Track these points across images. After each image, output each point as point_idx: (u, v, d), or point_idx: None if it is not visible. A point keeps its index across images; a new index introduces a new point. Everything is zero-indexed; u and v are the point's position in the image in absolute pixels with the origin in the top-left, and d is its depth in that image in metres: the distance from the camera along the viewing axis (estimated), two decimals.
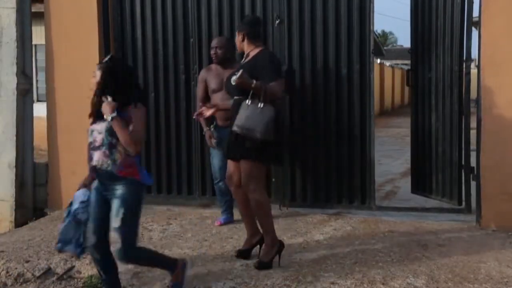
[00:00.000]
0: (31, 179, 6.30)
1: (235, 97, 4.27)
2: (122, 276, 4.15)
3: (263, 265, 4.16)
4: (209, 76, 5.29)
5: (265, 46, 4.57)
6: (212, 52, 5.27)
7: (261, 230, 4.36)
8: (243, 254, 4.37)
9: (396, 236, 4.95)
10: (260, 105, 4.07)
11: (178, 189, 6.18)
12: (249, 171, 4.16)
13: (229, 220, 5.41)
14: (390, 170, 8.98)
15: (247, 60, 4.37)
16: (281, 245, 4.24)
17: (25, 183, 6.23)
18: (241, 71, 4.10)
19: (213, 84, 5.25)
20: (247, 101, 4.11)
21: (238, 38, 4.44)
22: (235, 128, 4.12)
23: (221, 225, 5.35)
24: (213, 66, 5.33)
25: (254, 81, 4.09)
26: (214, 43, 5.32)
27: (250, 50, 4.38)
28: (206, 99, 5.30)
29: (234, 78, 4.09)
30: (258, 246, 4.40)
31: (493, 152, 5.16)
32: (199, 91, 5.39)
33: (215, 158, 5.37)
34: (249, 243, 4.40)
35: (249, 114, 4.07)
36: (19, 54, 6.13)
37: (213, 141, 5.26)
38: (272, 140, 4.11)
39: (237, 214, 4.68)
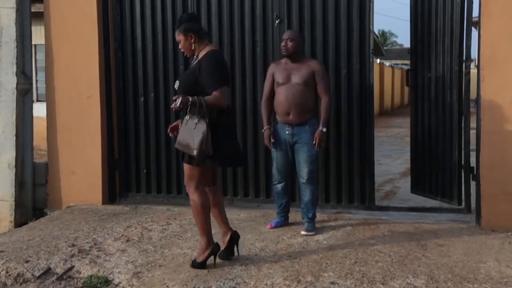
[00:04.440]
0: (30, 179, 6.30)
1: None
2: (122, 276, 4.16)
3: (196, 264, 4.20)
4: (277, 70, 5.16)
5: (210, 43, 4.36)
6: (283, 44, 5.12)
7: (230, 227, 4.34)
8: (223, 255, 4.31)
9: (396, 236, 4.95)
10: (195, 120, 4.02)
11: (178, 189, 6.17)
12: (188, 173, 4.20)
13: (281, 224, 5.23)
14: (390, 170, 8.99)
15: (195, 62, 4.22)
16: (215, 247, 4.21)
17: (24, 183, 6.23)
18: (180, 98, 3.97)
19: (279, 77, 5.11)
20: (186, 116, 4.10)
21: (187, 40, 4.17)
22: (176, 144, 4.18)
23: (272, 228, 5.17)
24: (283, 60, 5.19)
25: (190, 98, 3.99)
26: (285, 35, 5.19)
27: (199, 51, 4.20)
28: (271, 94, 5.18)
29: (173, 104, 4.01)
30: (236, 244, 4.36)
31: (493, 152, 5.16)
32: (266, 85, 5.24)
33: (274, 159, 5.20)
34: (223, 243, 4.36)
35: (186, 130, 4.08)
36: (19, 54, 6.12)
37: (272, 141, 5.11)
38: (210, 154, 4.05)
39: (235, 212, 4.67)
